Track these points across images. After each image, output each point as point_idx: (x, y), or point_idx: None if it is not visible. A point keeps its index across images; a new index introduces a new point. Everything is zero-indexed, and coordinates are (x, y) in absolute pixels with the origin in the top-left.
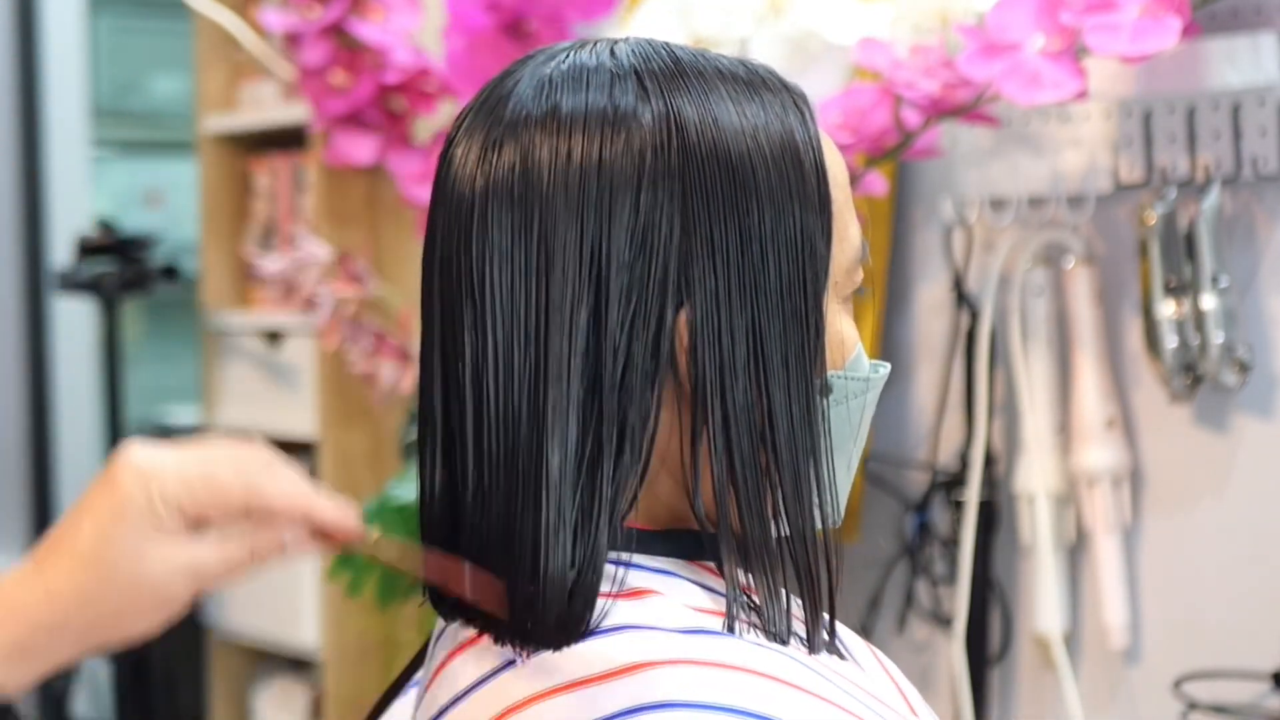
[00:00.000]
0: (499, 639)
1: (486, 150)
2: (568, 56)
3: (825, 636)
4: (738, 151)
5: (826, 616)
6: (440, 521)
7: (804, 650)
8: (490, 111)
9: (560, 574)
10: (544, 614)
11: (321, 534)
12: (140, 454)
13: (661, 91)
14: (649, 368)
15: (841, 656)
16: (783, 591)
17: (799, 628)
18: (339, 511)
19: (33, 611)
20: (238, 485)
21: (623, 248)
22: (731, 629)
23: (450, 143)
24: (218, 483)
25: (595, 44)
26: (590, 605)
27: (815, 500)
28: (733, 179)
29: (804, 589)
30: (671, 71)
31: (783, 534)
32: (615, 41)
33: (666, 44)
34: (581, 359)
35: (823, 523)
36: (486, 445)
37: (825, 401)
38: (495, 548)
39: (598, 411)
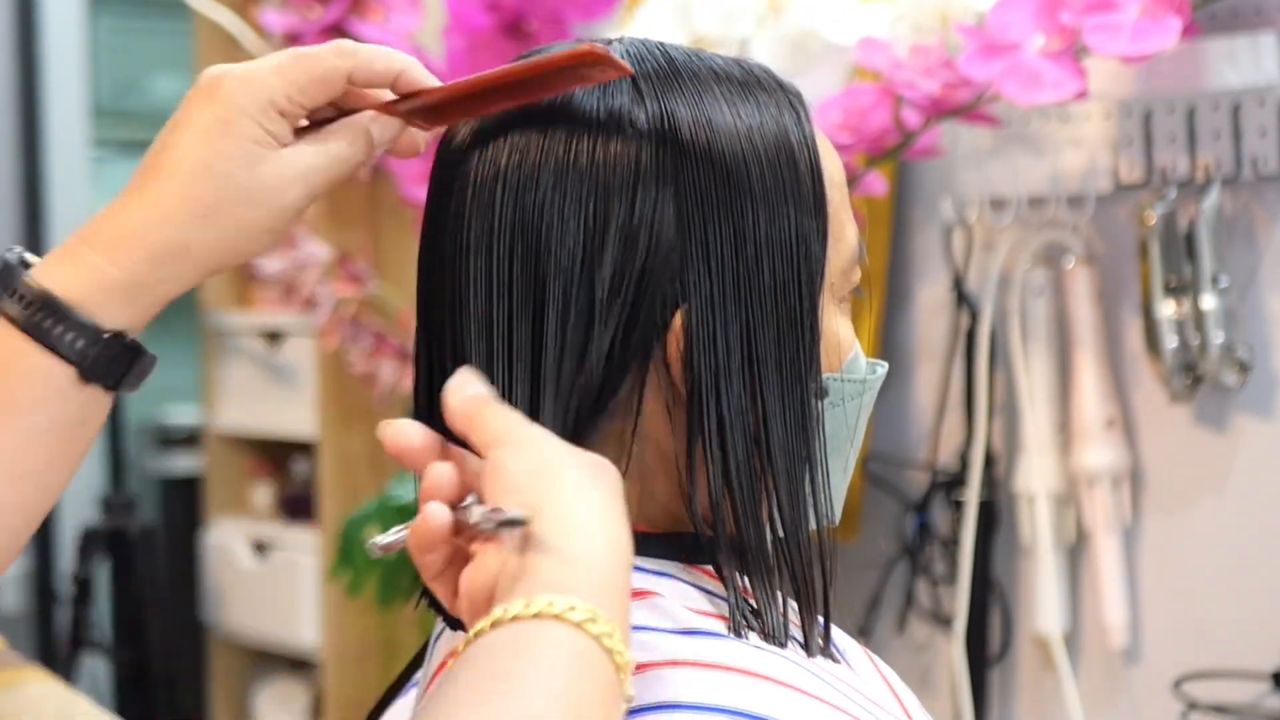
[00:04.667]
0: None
1: (481, 150)
2: None
3: (820, 639)
4: (732, 152)
5: (821, 619)
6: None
7: (801, 653)
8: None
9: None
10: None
11: (413, 98)
12: (233, 67)
13: (655, 92)
14: (641, 372)
15: (835, 659)
16: (779, 594)
17: (796, 630)
18: (430, 76)
19: (147, 236)
20: (336, 59)
21: (616, 250)
22: (737, 632)
23: (447, 141)
24: (318, 60)
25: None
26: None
27: (810, 502)
28: (727, 180)
29: (798, 592)
30: (666, 72)
31: (778, 537)
32: (609, 42)
33: (661, 44)
34: (574, 361)
35: (818, 525)
36: None
37: (821, 404)
38: None
39: (588, 415)
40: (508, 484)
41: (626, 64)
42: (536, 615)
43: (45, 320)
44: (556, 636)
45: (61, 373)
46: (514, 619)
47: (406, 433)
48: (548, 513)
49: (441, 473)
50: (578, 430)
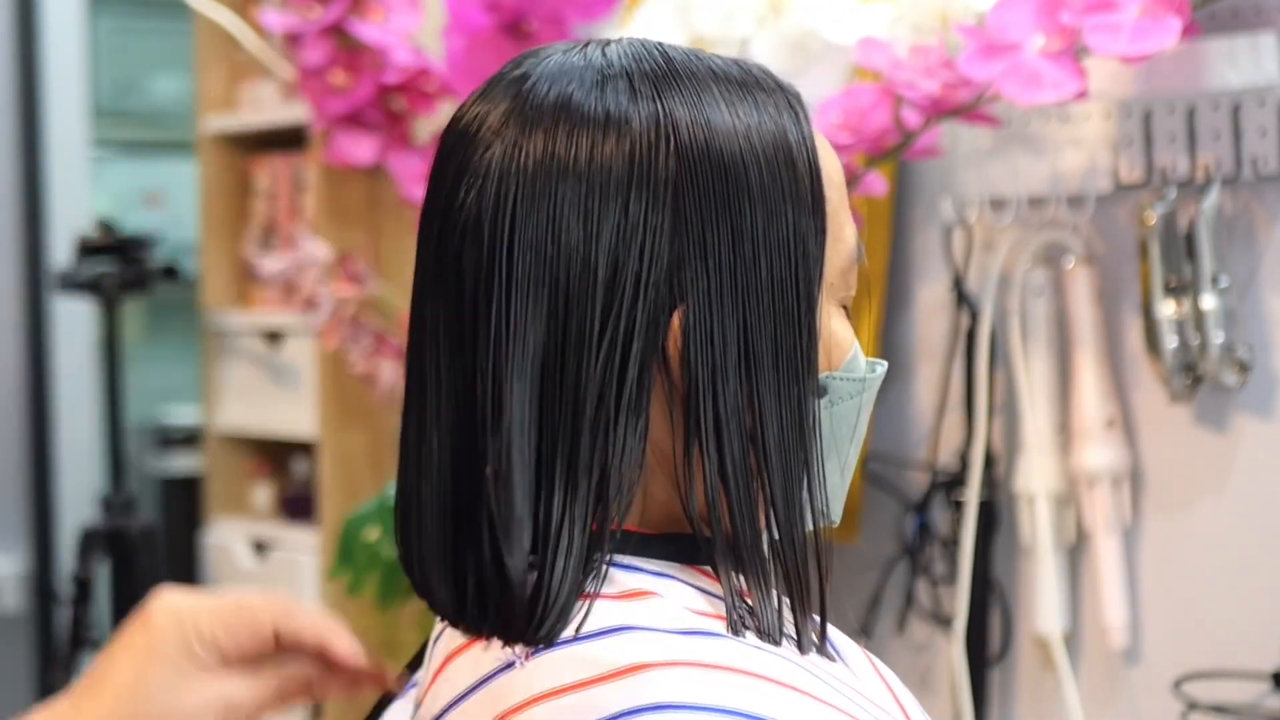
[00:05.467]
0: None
1: (481, 150)
2: (561, 57)
3: (815, 639)
4: (730, 152)
5: (817, 619)
6: (415, 513)
7: (798, 652)
8: (480, 114)
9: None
10: (508, 613)
11: (338, 670)
12: (171, 597)
13: (653, 93)
14: (639, 371)
15: (831, 659)
16: (774, 594)
17: (793, 630)
18: (353, 647)
19: None
20: (267, 611)
21: (614, 249)
22: (736, 631)
23: (446, 141)
24: (249, 611)
25: (588, 45)
26: (561, 607)
27: (807, 501)
28: (725, 180)
29: (793, 591)
30: (664, 72)
31: (773, 536)
32: (608, 42)
33: (660, 44)
34: (574, 361)
35: (814, 525)
36: (464, 442)
37: (818, 403)
38: (468, 544)
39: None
40: None
41: None
42: None
43: None
44: None
45: None
46: None
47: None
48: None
49: None
50: (577, 429)
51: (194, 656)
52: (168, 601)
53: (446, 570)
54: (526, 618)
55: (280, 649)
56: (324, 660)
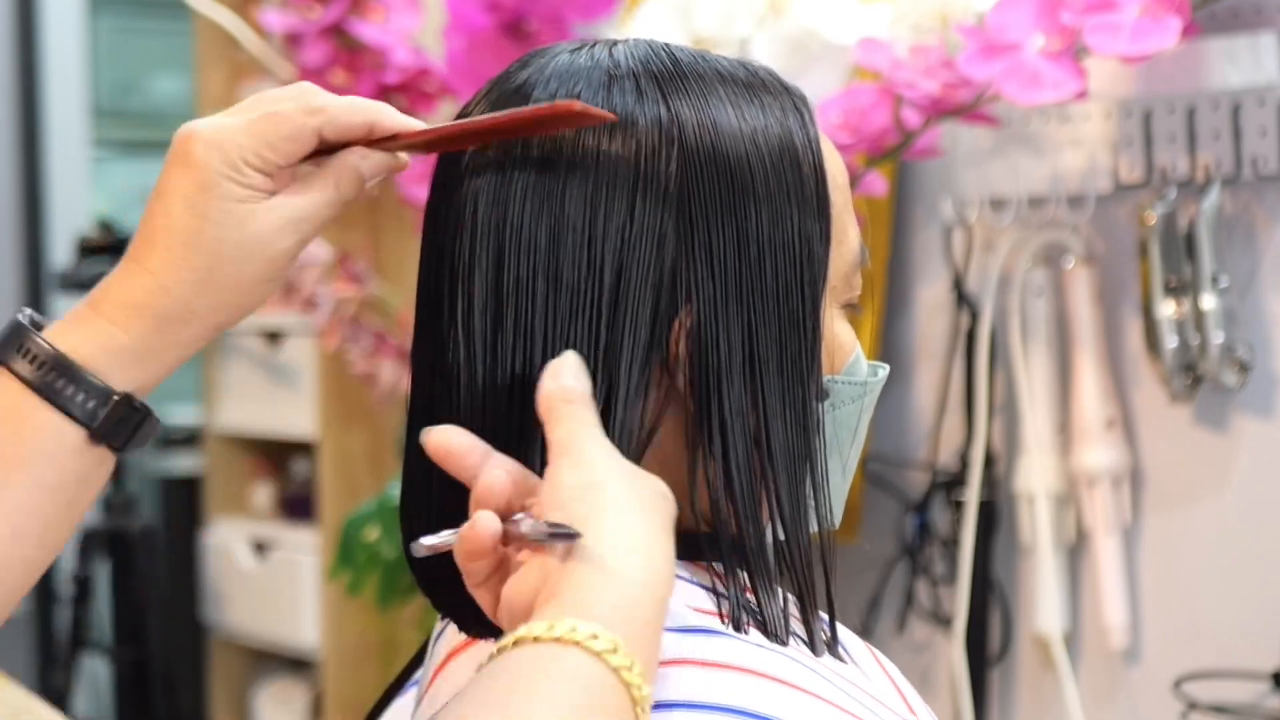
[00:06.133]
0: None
1: (486, 150)
2: (567, 57)
3: (824, 638)
4: (736, 154)
5: (825, 618)
6: (422, 514)
7: (804, 651)
8: (486, 113)
9: None
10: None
11: (390, 141)
12: (203, 126)
13: (660, 94)
14: (644, 371)
15: (840, 658)
16: (780, 593)
17: (800, 629)
18: (404, 119)
19: (154, 307)
20: (304, 115)
21: (619, 250)
22: (738, 628)
23: None
24: (286, 120)
25: (594, 45)
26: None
27: (811, 503)
28: (730, 182)
29: (800, 592)
30: (670, 73)
31: (778, 537)
32: (614, 43)
33: (666, 45)
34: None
35: (819, 526)
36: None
37: (821, 406)
38: None
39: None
40: (557, 498)
41: (606, 112)
42: (557, 639)
43: (57, 380)
44: (574, 663)
45: (71, 431)
46: (535, 640)
47: (450, 438)
48: (590, 533)
49: (494, 481)
50: None
51: (247, 183)
52: (200, 132)
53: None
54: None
55: (328, 146)
56: (375, 138)
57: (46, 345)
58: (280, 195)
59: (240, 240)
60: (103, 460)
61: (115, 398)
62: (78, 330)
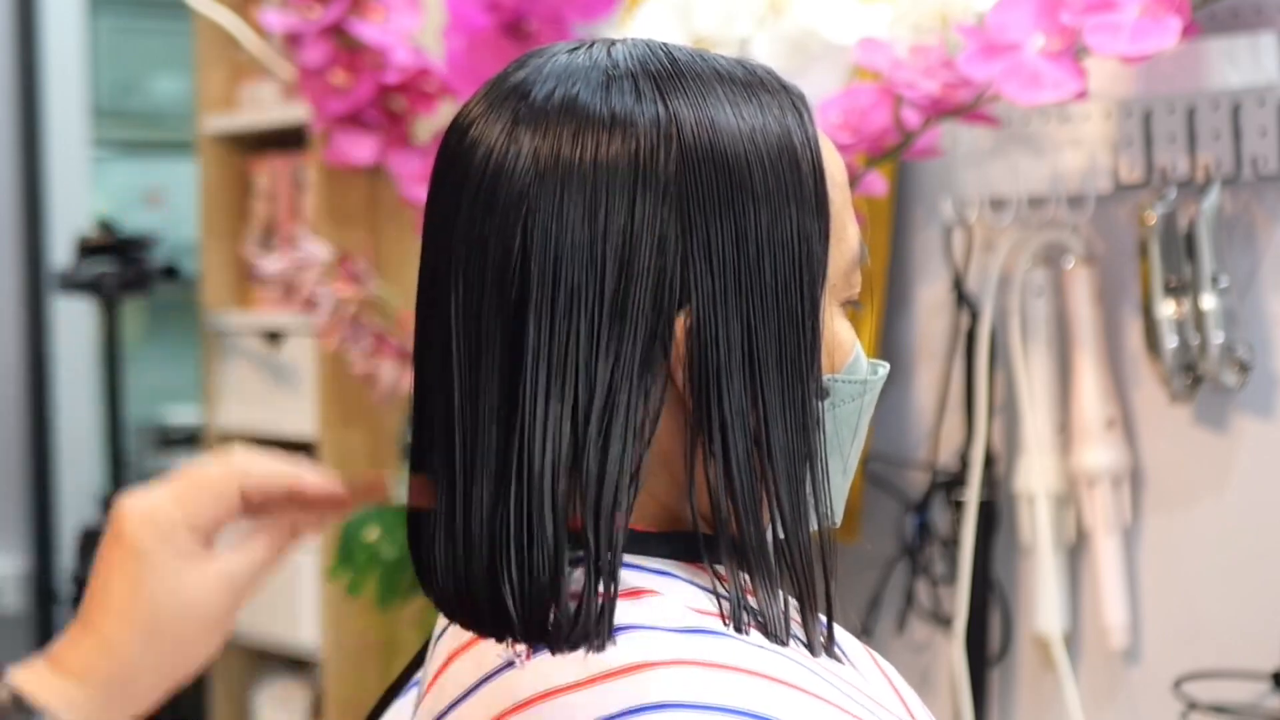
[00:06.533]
0: (501, 639)
1: (484, 149)
2: (565, 57)
3: (822, 639)
4: (734, 153)
5: (824, 619)
6: (427, 520)
7: (803, 652)
8: (485, 114)
9: (545, 577)
10: (527, 615)
11: (317, 504)
12: (132, 503)
13: (658, 93)
14: (645, 371)
15: (838, 659)
16: (780, 594)
17: (799, 630)
18: (323, 481)
19: (101, 670)
20: (225, 479)
21: (619, 250)
22: (739, 628)
23: (449, 140)
24: (207, 485)
25: (593, 45)
26: (581, 610)
27: (811, 503)
28: (729, 181)
29: (800, 592)
30: (669, 73)
31: (778, 536)
32: (613, 42)
33: (665, 45)
34: (577, 362)
35: (819, 525)
36: (475, 443)
37: (821, 405)
38: (481, 548)
39: (593, 413)
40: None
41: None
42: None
43: (16, 715)
44: None
45: None
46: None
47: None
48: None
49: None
50: (584, 430)
51: (176, 548)
52: (130, 509)
53: (457, 571)
54: (542, 619)
55: (254, 506)
56: (301, 501)
57: (9, 684)
58: (215, 559)
59: (176, 604)
60: None
61: None
62: (35, 679)
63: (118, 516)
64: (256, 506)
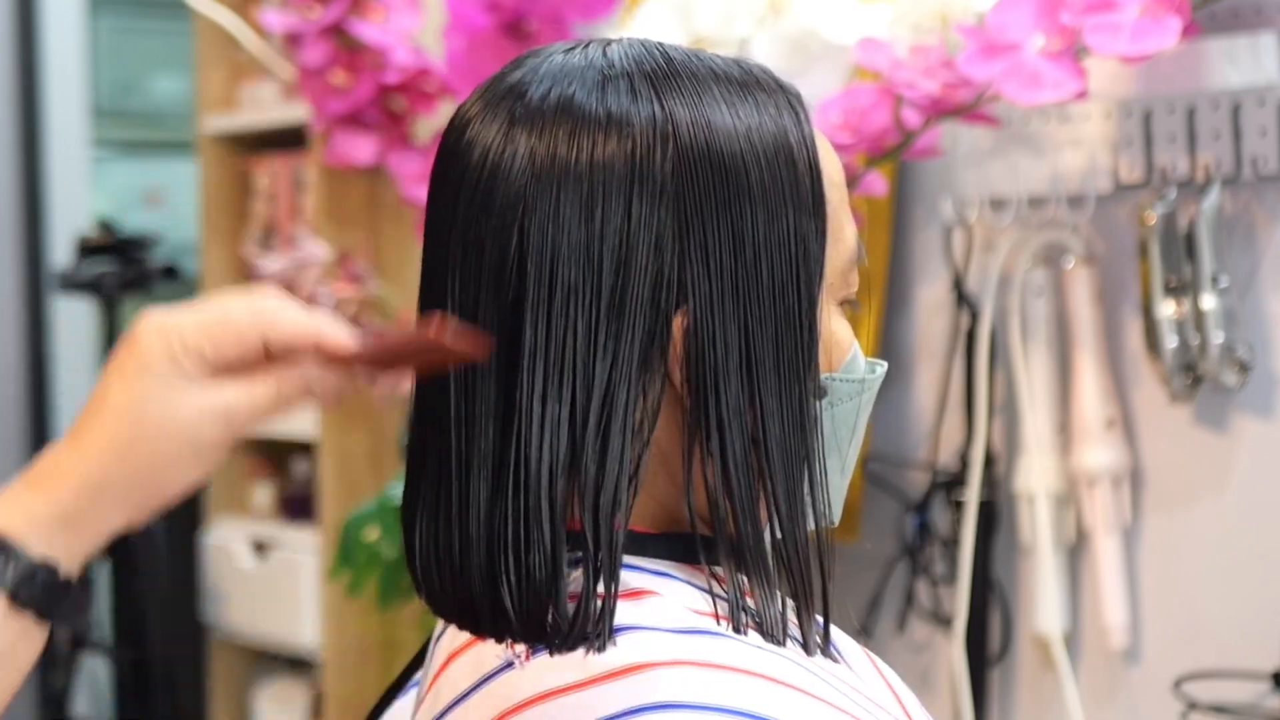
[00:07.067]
0: (500, 640)
1: (482, 149)
2: (561, 57)
3: (819, 639)
4: (730, 153)
5: (820, 619)
6: (420, 519)
7: (801, 652)
8: (482, 114)
9: (543, 577)
10: (526, 616)
11: (336, 362)
12: (156, 315)
13: (654, 93)
14: (642, 372)
15: (834, 659)
16: (778, 594)
17: (796, 630)
18: (348, 337)
19: (71, 473)
20: (251, 320)
21: (616, 250)
22: (737, 629)
23: (448, 139)
24: (233, 321)
25: (588, 45)
26: (581, 611)
27: (809, 502)
28: (725, 180)
29: (797, 592)
30: (665, 72)
31: (776, 536)
32: (608, 42)
33: (660, 45)
34: (575, 362)
35: (816, 525)
36: (472, 443)
37: (819, 404)
38: (480, 548)
39: (591, 413)
40: None
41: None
42: None
43: None
44: None
45: None
46: None
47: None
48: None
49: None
50: (583, 431)
51: (182, 369)
52: (152, 319)
53: (454, 573)
54: (541, 620)
55: (275, 353)
56: (324, 357)
57: None
58: (215, 385)
59: (162, 419)
60: (25, 634)
61: (34, 563)
62: (2, 503)
63: (139, 324)
64: (277, 354)
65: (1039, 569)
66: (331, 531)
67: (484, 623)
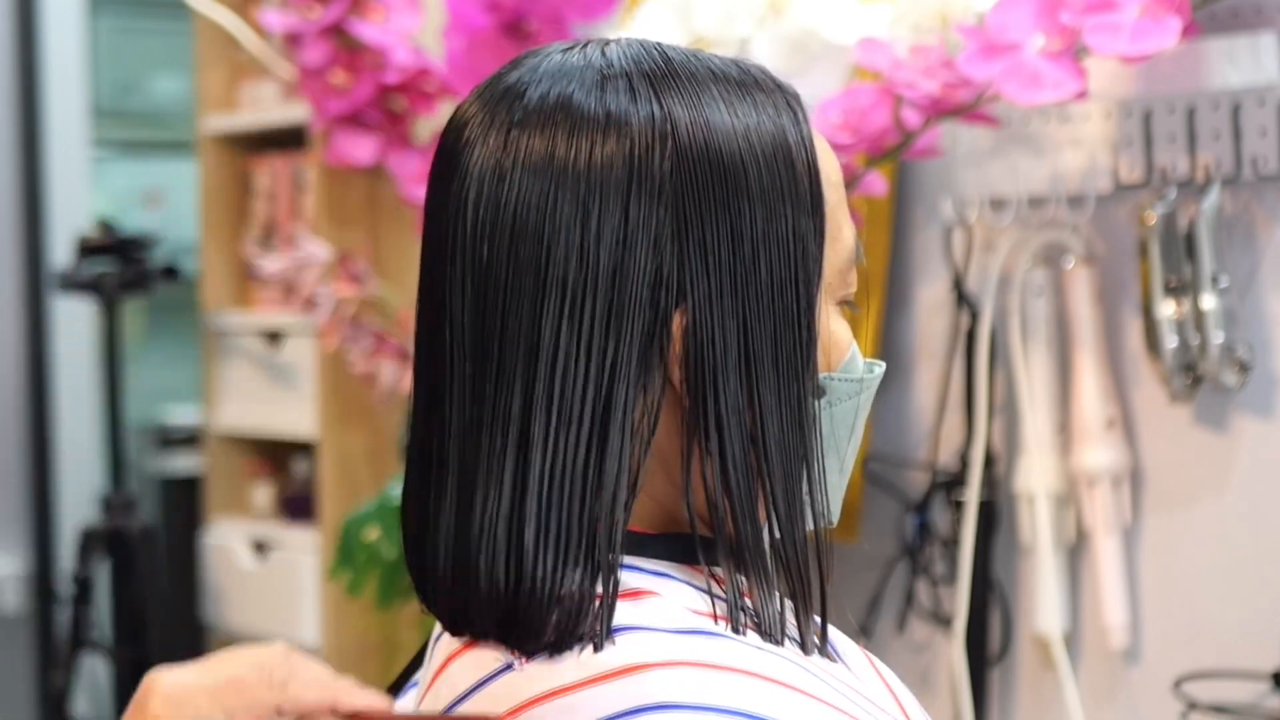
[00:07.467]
0: (499, 641)
1: (481, 149)
2: (560, 57)
3: (816, 639)
4: (729, 152)
5: (818, 619)
6: (419, 521)
7: (799, 652)
8: (480, 114)
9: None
10: (525, 616)
11: (353, 718)
12: (166, 679)
13: (653, 93)
14: (641, 371)
15: (832, 659)
16: (776, 593)
17: (795, 630)
18: (366, 695)
19: None
20: (266, 687)
21: (614, 250)
22: (736, 629)
23: (446, 139)
24: (246, 689)
25: (586, 45)
26: (580, 611)
27: (807, 501)
28: (724, 180)
29: (795, 591)
30: (663, 72)
31: (774, 535)
32: (607, 42)
33: (659, 44)
34: (574, 361)
35: (814, 524)
36: (471, 444)
37: (817, 403)
38: (479, 548)
39: (592, 414)
40: None
41: None
42: None
43: None
44: None
45: None
46: None
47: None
48: None
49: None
50: (581, 431)
51: None
52: (162, 687)
53: (454, 573)
54: (540, 623)
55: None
56: (338, 715)
57: None
58: None
59: None
60: None
61: None
62: None
63: (147, 688)
64: (289, 716)
65: (1039, 569)
66: (331, 531)
67: (484, 624)
